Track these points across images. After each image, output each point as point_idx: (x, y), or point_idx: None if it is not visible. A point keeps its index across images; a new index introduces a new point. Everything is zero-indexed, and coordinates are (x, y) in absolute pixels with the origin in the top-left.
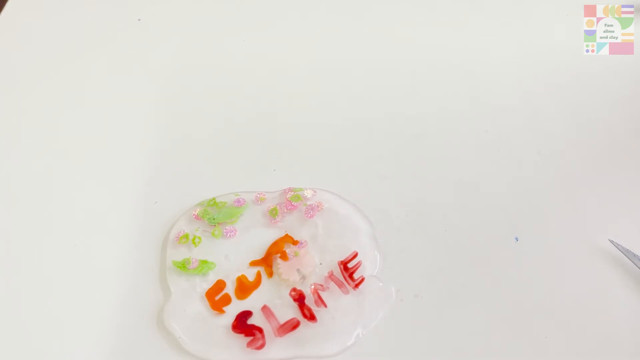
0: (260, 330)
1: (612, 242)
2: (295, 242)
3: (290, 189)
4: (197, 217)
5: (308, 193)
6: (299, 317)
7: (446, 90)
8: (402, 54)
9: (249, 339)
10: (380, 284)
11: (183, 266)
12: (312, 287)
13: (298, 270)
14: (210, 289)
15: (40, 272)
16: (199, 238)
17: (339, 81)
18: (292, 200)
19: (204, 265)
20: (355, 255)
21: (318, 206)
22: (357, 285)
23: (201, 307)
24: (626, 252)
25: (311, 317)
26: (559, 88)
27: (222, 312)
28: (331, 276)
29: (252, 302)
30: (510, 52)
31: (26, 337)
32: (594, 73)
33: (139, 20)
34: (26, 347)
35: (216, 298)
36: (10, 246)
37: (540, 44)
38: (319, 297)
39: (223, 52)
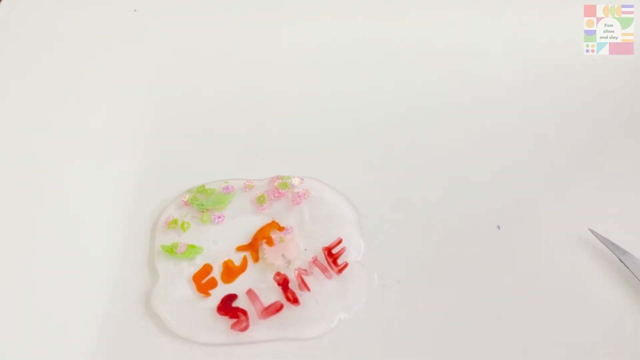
0: (244, 312)
1: (591, 231)
2: (281, 229)
3: (278, 177)
4: (186, 204)
5: (296, 181)
6: (283, 300)
7: (436, 86)
8: (395, 48)
9: (234, 320)
10: (363, 270)
11: (171, 250)
12: (296, 271)
13: (283, 255)
14: (197, 272)
15: (30, 256)
16: (188, 224)
17: (330, 72)
18: (279, 188)
19: (192, 250)
20: (339, 242)
21: (305, 194)
22: (340, 271)
23: (188, 290)
24: (605, 241)
25: (294, 301)
26: (558, 88)
27: (208, 295)
28: (315, 261)
29: (237, 286)
30: (509, 51)
31: (15, 318)
32: (594, 73)
33: (135, 11)
34: (15, 328)
35: (202, 281)
36: (2, 229)
37: (539, 44)
38: (303, 281)
39: (215, 42)
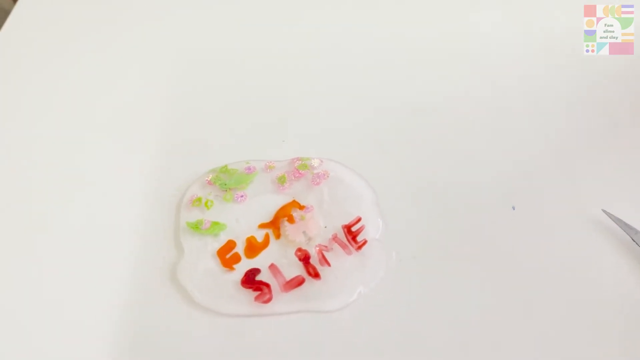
0: (267, 285)
1: (605, 212)
2: (301, 207)
3: (298, 159)
4: (209, 183)
5: (315, 162)
6: (304, 275)
7: (448, 72)
8: (409, 33)
9: (257, 293)
10: (382, 247)
11: (196, 227)
12: (317, 247)
13: (304, 232)
14: (221, 248)
15: (64, 232)
16: (211, 202)
17: (347, 59)
18: (299, 169)
19: (216, 226)
20: (358, 220)
21: (324, 174)
22: (359, 247)
23: (212, 264)
24: (618, 222)
25: (315, 275)
26: (558, 88)
27: (232, 269)
28: (335, 238)
29: (260, 261)
30: (510, 50)
31: (47, 291)
32: (594, 73)
33: None
34: (46, 301)
35: (227, 256)
36: (35, 207)
37: (540, 43)
38: (323, 256)
39: (235, 28)
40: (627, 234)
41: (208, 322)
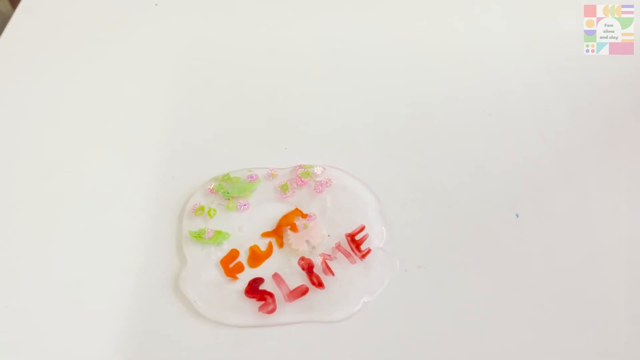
0: (271, 295)
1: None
2: (304, 216)
3: (300, 166)
4: (212, 191)
5: (318, 170)
6: (308, 284)
7: (451, 77)
8: (410, 38)
9: (261, 303)
10: (386, 256)
11: (199, 236)
12: (321, 257)
13: (307, 241)
14: (224, 257)
15: (67, 241)
16: (214, 210)
17: (349, 65)
18: (302, 177)
19: (219, 235)
20: (362, 229)
21: (327, 182)
22: (363, 256)
23: (216, 273)
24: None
25: (319, 284)
26: (559, 88)
27: (236, 278)
28: (339, 247)
29: (263, 271)
30: (511, 50)
31: (49, 301)
32: (594, 73)
33: (156, 5)
34: (50, 310)
35: (230, 266)
36: (37, 215)
37: (540, 44)
38: (327, 266)
39: (237, 34)
40: None
41: (211, 333)
